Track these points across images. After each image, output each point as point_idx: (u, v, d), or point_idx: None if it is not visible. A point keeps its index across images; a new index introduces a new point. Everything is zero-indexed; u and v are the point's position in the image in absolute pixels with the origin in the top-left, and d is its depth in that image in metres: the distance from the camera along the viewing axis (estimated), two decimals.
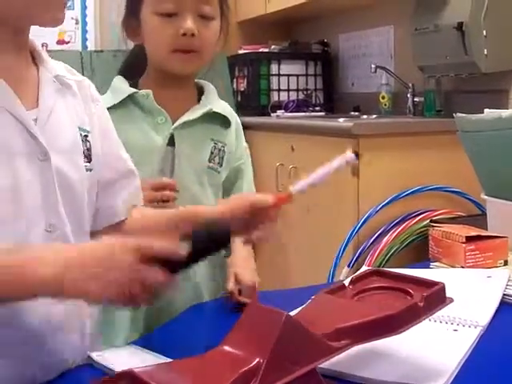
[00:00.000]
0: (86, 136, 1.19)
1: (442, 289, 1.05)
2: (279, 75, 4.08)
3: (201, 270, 1.55)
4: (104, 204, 1.25)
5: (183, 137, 1.53)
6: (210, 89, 1.64)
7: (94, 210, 1.23)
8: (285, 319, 0.84)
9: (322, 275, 2.62)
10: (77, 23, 5.40)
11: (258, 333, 0.86)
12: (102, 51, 4.40)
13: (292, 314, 0.91)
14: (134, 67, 1.63)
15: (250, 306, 0.90)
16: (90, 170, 1.18)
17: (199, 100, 1.60)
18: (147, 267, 0.92)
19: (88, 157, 1.18)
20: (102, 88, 4.10)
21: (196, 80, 1.64)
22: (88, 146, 1.18)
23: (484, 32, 2.85)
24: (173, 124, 1.54)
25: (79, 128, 1.18)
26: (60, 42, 5.33)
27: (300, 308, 1.15)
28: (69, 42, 5.44)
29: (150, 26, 1.51)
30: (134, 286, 0.91)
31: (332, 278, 2.58)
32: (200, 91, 1.63)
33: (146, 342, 1.19)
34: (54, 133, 1.11)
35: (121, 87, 1.56)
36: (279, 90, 4.07)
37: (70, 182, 1.12)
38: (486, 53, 2.86)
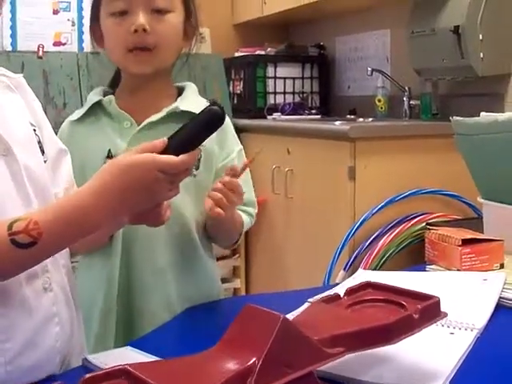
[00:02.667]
0: (34, 130, 1.21)
1: (437, 303, 1.06)
2: (275, 78, 4.08)
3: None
4: None
5: (148, 138, 1.28)
6: (189, 89, 1.57)
7: None
8: (281, 321, 0.84)
9: (319, 277, 2.62)
10: (73, 25, 5.40)
11: (254, 333, 0.86)
12: (98, 53, 4.38)
13: (288, 316, 0.90)
14: (116, 75, 1.60)
15: (246, 307, 0.90)
16: (45, 162, 1.21)
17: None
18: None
19: (41, 149, 1.20)
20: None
21: (180, 84, 1.59)
22: (38, 139, 1.21)
23: (480, 36, 2.85)
24: (135, 128, 1.48)
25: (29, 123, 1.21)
26: (56, 43, 5.32)
27: (296, 311, 1.16)
28: (65, 44, 5.43)
29: (105, 28, 1.47)
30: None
31: (328, 280, 2.59)
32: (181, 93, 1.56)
33: (141, 343, 1.19)
34: (10, 128, 1.13)
35: (90, 98, 1.53)
36: (275, 93, 4.07)
37: (36, 175, 1.14)
38: (482, 56, 2.87)
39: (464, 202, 2.77)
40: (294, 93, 4.13)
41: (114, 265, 1.46)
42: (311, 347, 0.88)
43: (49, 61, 3.64)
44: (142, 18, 1.41)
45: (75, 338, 1.21)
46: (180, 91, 1.56)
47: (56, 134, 1.35)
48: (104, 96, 1.53)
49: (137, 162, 1.06)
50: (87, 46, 5.77)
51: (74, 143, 1.45)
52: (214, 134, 1.41)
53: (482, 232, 1.82)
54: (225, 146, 1.55)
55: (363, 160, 2.68)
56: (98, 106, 1.51)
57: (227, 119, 1.52)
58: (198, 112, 1.12)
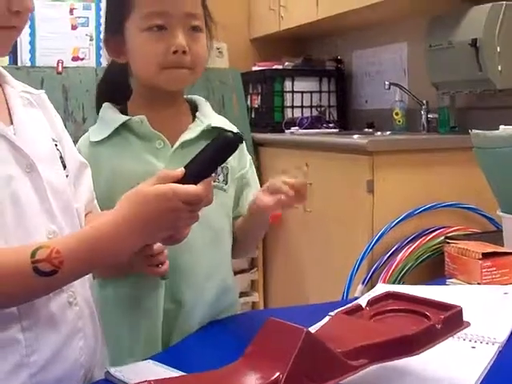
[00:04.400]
0: (55, 145, 1.21)
1: (460, 312, 1.06)
2: (293, 92, 4.10)
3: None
4: None
5: (183, 159, 1.31)
6: (203, 104, 1.56)
7: None
8: (305, 335, 0.85)
9: (337, 291, 2.62)
10: (91, 40, 5.44)
11: (277, 347, 0.86)
12: None
13: (310, 330, 0.91)
14: (117, 89, 1.54)
15: (269, 321, 0.91)
16: (67, 176, 1.22)
17: (194, 116, 1.52)
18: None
19: (63, 164, 1.21)
20: None
21: (188, 96, 1.57)
22: (60, 154, 1.22)
23: (498, 48, 2.85)
24: (172, 146, 1.45)
25: (51, 138, 1.22)
26: (74, 58, 5.36)
27: (317, 325, 1.16)
28: (83, 59, 5.47)
29: (137, 44, 1.42)
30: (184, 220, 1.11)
31: (347, 294, 2.58)
32: (193, 107, 1.55)
33: (164, 357, 1.19)
34: (34, 144, 1.14)
35: (112, 117, 1.48)
36: (293, 107, 4.08)
37: (58, 189, 1.15)
38: (500, 69, 2.86)
39: (483, 215, 2.76)
40: (311, 107, 4.14)
41: (159, 295, 1.43)
42: (335, 360, 0.88)
43: (68, 76, 3.67)
44: (182, 39, 1.39)
45: (98, 352, 1.21)
46: (190, 105, 1.55)
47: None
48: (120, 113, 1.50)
49: (158, 192, 1.06)
50: (105, 61, 5.83)
51: (97, 166, 1.42)
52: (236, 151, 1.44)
53: (502, 245, 1.82)
54: (242, 158, 1.56)
55: (381, 173, 2.68)
56: (120, 125, 1.46)
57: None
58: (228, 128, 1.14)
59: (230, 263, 1.56)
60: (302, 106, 4.12)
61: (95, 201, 1.35)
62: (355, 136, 3.10)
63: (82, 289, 1.18)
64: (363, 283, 2.57)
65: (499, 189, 1.89)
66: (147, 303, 1.43)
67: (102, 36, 1.54)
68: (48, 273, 1.00)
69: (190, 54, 1.40)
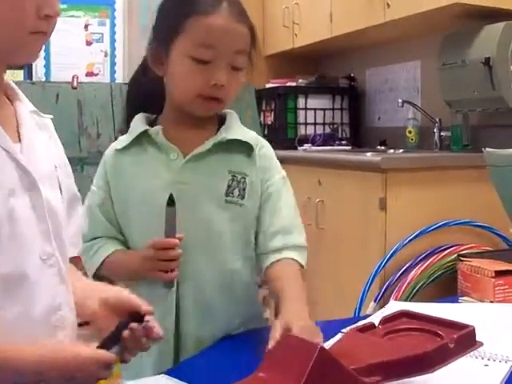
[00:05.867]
0: (56, 170, 1.21)
1: (472, 332, 1.06)
2: (306, 109, 4.11)
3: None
4: None
5: (194, 172, 1.44)
6: (230, 117, 1.56)
7: None
8: (319, 351, 0.85)
9: (349, 308, 2.62)
10: (106, 56, 5.47)
11: (292, 362, 0.86)
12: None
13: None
14: (151, 101, 1.57)
15: (284, 336, 0.91)
16: (62, 203, 1.21)
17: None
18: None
19: (59, 188, 1.21)
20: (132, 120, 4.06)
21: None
22: (58, 180, 1.21)
23: (511, 67, 2.85)
24: (181, 160, 1.47)
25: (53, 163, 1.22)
26: (89, 74, 5.39)
27: (330, 341, 1.16)
28: (97, 75, 5.50)
29: (178, 67, 1.44)
30: None
31: (359, 311, 2.58)
32: (222, 120, 1.55)
33: (177, 372, 1.20)
34: (38, 164, 1.14)
35: (135, 126, 1.51)
36: (306, 124, 4.10)
37: (55, 211, 1.15)
38: None
39: (496, 233, 2.76)
40: (324, 124, 4.15)
41: (169, 312, 1.45)
42: (348, 376, 0.89)
43: (83, 91, 3.69)
44: (223, 75, 1.41)
45: None
46: (220, 118, 1.56)
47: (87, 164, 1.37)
48: (148, 124, 1.52)
49: (82, 364, 1.02)
50: (119, 76, 5.84)
51: (117, 175, 1.48)
52: (258, 161, 1.49)
53: None
54: (266, 171, 1.55)
55: (394, 191, 2.68)
56: (143, 135, 1.49)
57: (271, 148, 1.56)
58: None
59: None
60: (315, 123, 4.13)
61: (80, 241, 1.37)
62: (368, 153, 3.10)
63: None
64: (375, 300, 2.57)
65: None
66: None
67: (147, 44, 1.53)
68: None
69: (225, 89, 1.43)
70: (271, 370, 0.88)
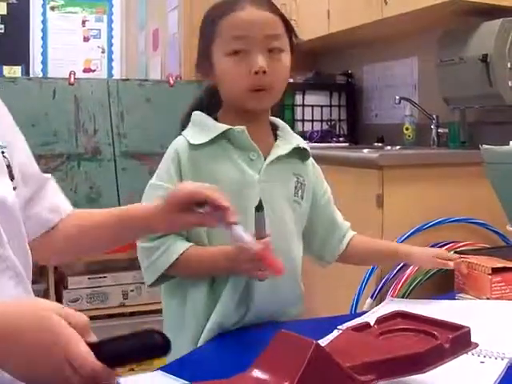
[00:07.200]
0: (2, 152, 1.12)
1: (468, 333, 1.06)
2: (303, 106, 4.11)
3: None
4: (30, 213, 1.25)
5: (273, 172, 1.53)
6: (283, 124, 1.67)
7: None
8: (314, 347, 0.85)
9: (346, 305, 2.61)
10: (103, 52, 5.48)
11: (286, 359, 0.86)
12: (128, 79, 4.46)
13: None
14: (208, 103, 1.63)
15: (279, 333, 0.91)
16: (15, 189, 1.13)
17: (275, 135, 1.62)
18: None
19: (10, 174, 1.12)
20: (128, 115, 4.14)
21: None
22: (7, 162, 1.12)
23: (508, 64, 2.86)
24: (261, 159, 1.54)
25: None
26: (86, 70, 5.39)
27: (325, 338, 1.16)
28: (95, 71, 5.51)
29: (221, 68, 1.51)
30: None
31: (355, 308, 2.58)
32: (273, 127, 1.64)
33: (172, 367, 1.20)
34: None
35: (213, 124, 1.55)
36: (303, 121, 4.10)
37: (5, 205, 1.07)
38: (510, 85, 2.87)
39: (492, 230, 2.76)
40: (321, 120, 4.15)
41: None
42: (343, 374, 0.89)
43: (80, 87, 3.69)
44: (261, 61, 1.46)
45: None
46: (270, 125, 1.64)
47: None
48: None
49: (63, 339, 0.82)
50: (117, 72, 5.84)
51: (195, 170, 1.50)
52: (311, 167, 1.63)
53: None
54: (321, 180, 1.72)
55: (391, 188, 2.68)
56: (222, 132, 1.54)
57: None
58: None
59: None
60: (312, 120, 4.13)
61: (65, 201, 1.35)
62: (365, 150, 3.10)
63: None
64: (372, 297, 2.57)
65: (509, 204, 1.89)
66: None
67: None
68: None
69: (270, 75, 1.48)
70: (266, 367, 0.88)
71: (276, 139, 1.60)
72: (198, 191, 1.26)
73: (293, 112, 4.09)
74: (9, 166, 1.12)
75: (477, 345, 1.06)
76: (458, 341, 1.03)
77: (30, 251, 1.17)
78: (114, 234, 1.36)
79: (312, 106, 4.13)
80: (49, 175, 1.32)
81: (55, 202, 1.32)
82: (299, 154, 1.62)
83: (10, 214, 1.08)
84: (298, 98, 4.10)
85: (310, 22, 4.02)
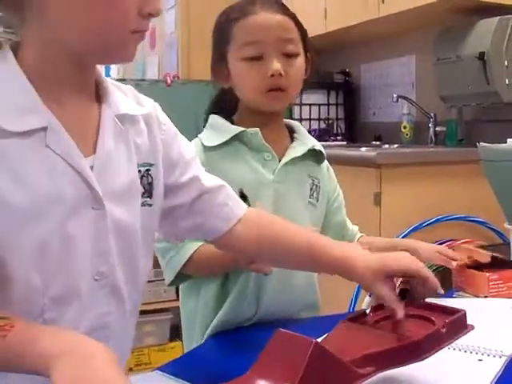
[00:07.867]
0: (147, 170, 1.15)
1: (464, 315, 1.06)
2: (301, 104, 4.11)
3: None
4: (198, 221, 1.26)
5: (287, 173, 1.54)
6: (299, 126, 1.67)
7: (193, 225, 1.25)
8: (313, 346, 0.85)
9: (344, 303, 2.61)
10: None
11: (286, 359, 0.86)
12: (124, 80, 4.45)
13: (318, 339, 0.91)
14: (224, 105, 1.64)
15: (277, 332, 0.91)
16: (150, 206, 1.15)
17: (291, 137, 1.63)
18: None
19: (149, 192, 1.15)
20: None
21: (285, 120, 1.67)
22: (149, 180, 1.15)
23: (506, 62, 2.86)
24: (276, 160, 1.55)
25: (139, 165, 1.13)
26: None
27: (324, 336, 1.16)
28: None
29: (237, 72, 1.52)
30: None
31: (354, 306, 2.58)
32: (289, 129, 1.65)
33: (171, 367, 1.20)
34: (111, 179, 1.06)
35: (228, 126, 1.56)
36: (301, 119, 4.09)
37: (123, 226, 1.08)
38: (507, 82, 2.87)
39: (490, 228, 2.76)
40: (319, 119, 4.15)
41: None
42: (344, 369, 0.89)
43: None
44: (277, 64, 1.48)
45: None
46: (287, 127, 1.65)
47: None
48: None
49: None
50: (114, 72, 5.82)
51: (211, 171, 1.45)
52: (325, 169, 1.66)
53: (509, 258, 1.82)
54: (332, 180, 1.73)
55: (389, 186, 2.68)
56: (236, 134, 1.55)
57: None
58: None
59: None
60: (310, 119, 4.13)
61: (235, 204, 1.32)
62: (363, 149, 3.11)
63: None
64: (370, 295, 2.57)
65: (506, 202, 1.89)
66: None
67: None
68: None
69: (285, 77, 1.50)
70: (266, 369, 0.87)
71: (292, 141, 1.61)
72: (414, 270, 1.23)
73: (290, 111, 4.09)
74: (150, 184, 1.15)
75: (473, 327, 1.06)
76: (455, 324, 1.04)
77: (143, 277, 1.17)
78: (301, 262, 1.41)
79: (310, 104, 4.14)
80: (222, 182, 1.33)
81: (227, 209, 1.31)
82: (314, 156, 1.63)
83: (125, 234, 1.09)
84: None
85: (307, 21, 3.97)
